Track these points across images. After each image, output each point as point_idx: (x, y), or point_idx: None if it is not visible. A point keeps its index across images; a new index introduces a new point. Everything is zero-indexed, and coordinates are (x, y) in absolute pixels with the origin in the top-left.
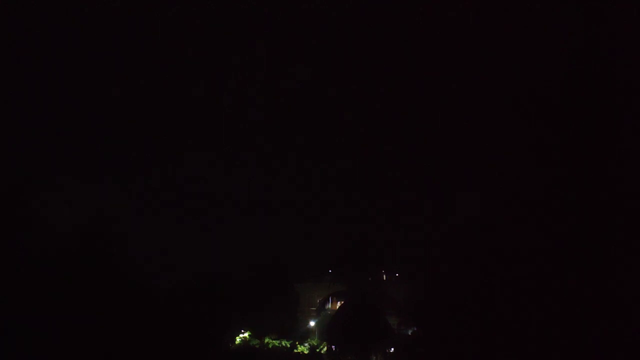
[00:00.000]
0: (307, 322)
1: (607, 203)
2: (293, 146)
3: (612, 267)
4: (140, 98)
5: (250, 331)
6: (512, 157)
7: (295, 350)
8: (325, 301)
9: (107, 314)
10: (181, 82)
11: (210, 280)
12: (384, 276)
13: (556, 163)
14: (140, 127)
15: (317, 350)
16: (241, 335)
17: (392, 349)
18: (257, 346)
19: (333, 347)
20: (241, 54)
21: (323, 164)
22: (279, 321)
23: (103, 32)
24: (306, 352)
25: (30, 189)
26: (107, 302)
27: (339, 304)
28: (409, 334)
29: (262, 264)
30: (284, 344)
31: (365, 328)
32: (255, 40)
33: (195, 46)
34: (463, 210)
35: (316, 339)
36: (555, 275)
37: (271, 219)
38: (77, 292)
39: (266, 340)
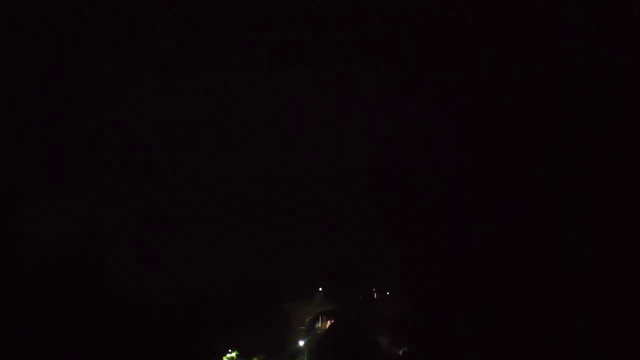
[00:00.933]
0: (296, 342)
1: (606, 203)
2: (286, 160)
3: (612, 268)
4: (131, 103)
5: (238, 351)
6: (510, 158)
7: None
8: (315, 320)
9: (87, 330)
10: (175, 86)
11: (198, 296)
12: (375, 294)
13: (555, 163)
14: (132, 134)
15: None
16: (228, 355)
17: None
18: None
19: None
20: (241, 54)
21: (316, 178)
22: (268, 340)
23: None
24: None
25: (16, 198)
26: (87, 317)
27: (329, 323)
28: (400, 354)
29: (251, 280)
30: None
31: (356, 348)
32: (255, 40)
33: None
34: (457, 222)
35: (305, 359)
36: (554, 290)
37: (262, 235)
38: (59, 306)
39: None
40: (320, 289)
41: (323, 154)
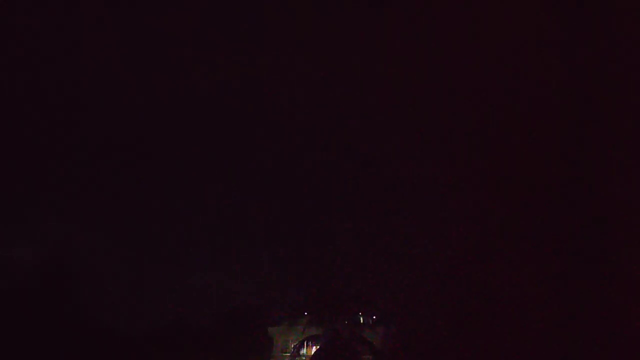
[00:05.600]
0: None
1: (606, 206)
2: (272, 184)
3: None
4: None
5: None
6: (509, 160)
7: None
8: (300, 346)
9: None
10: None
11: (178, 324)
12: (361, 319)
13: (555, 164)
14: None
15: None
16: None
17: None
18: None
19: None
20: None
21: (302, 202)
22: None
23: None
24: None
25: None
26: (62, 348)
27: (314, 349)
28: None
29: (233, 306)
30: None
31: None
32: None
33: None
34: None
35: None
36: (553, 314)
37: (246, 258)
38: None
39: None
40: (306, 313)
41: (308, 177)
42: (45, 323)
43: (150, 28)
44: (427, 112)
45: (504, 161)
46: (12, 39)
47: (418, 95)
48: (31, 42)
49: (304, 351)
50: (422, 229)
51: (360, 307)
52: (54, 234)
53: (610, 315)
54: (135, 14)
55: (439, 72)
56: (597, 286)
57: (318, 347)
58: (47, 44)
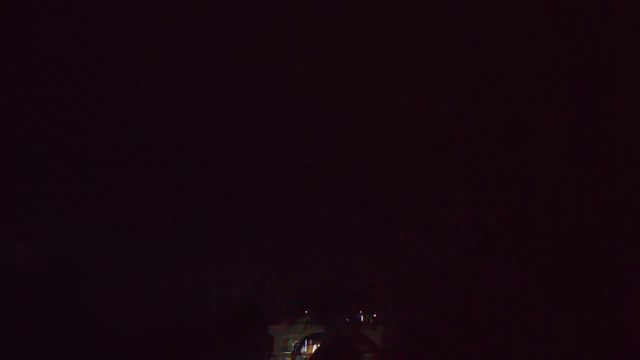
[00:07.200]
0: None
1: (606, 206)
2: (271, 182)
3: (612, 270)
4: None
5: None
6: (509, 160)
7: None
8: (301, 344)
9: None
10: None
11: (177, 324)
12: (362, 317)
13: (555, 165)
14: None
15: None
16: None
17: None
18: None
19: None
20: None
21: (301, 200)
22: None
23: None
24: None
25: None
26: (65, 347)
27: (315, 347)
28: None
29: (233, 305)
30: None
31: None
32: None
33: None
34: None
35: None
36: (549, 309)
37: (246, 256)
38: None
39: None
40: (306, 311)
41: (308, 176)
42: (45, 323)
43: (148, 26)
44: (426, 113)
45: (504, 161)
46: (12, 38)
47: (417, 96)
48: (29, 41)
49: (304, 349)
50: (422, 228)
51: (360, 305)
52: (54, 234)
53: (610, 315)
54: (133, 13)
55: (439, 72)
56: (597, 286)
57: (319, 345)
58: (45, 43)
